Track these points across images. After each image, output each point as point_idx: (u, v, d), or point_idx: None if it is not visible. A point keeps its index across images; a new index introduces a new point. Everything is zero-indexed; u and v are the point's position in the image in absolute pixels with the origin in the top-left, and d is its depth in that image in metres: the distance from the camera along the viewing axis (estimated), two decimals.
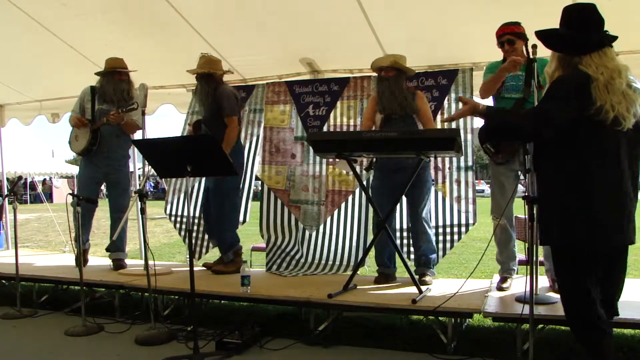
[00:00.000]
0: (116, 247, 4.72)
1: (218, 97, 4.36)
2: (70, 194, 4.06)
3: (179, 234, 5.36)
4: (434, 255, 4.03)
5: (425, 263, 3.96)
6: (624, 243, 2.36)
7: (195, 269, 3.29)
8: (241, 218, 5.03)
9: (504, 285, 3.63)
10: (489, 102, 3.74)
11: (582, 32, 2.35)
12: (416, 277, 3.70)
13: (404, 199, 4.05)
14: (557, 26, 2.46)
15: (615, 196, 2.30)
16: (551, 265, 3.40)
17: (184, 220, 5.24)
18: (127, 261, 4.88)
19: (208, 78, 4.38)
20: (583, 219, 2.28)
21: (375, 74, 4.23)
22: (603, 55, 2.32)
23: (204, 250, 5.19)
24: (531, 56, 3.12)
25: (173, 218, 5.36)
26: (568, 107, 2.27)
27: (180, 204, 5.31)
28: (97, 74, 4.69)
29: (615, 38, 2.36)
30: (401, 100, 3.88)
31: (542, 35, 2.50)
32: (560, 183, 2.33)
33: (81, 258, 4.01)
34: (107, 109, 4.58)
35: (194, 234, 5.07)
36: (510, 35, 3.48)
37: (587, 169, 2.29)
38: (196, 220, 5.08)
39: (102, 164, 4.68)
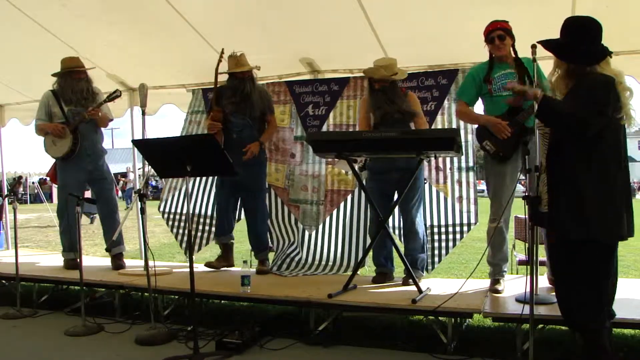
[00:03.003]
0: (117, 242, 4.67)
1: (263, 96, 4.41)
2: (70, 194, 4.06)
3: (171, 231, 5.31)
4: (422, 255, 3.97)
5: (412, 263, 3.90)
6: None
7: (196, 269, 3.29)
8: None
9: (499, 288, 3.58)
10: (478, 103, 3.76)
11: (589, 44, 2.41)
12: (403, 277, 3.82)
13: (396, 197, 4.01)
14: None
15: (628, 194, 2.43)
16: None
17: (182, 218, 5.19)
18: (128, 261, 4.87)
19: (253, 77, 4.38)
20: (608, 214, 2.35)
21: None
22: (607, 64, 2.42)
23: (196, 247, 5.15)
24: (531, 56, 3.12)
25: (166, 216, 5.32)
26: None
27: (175, 202, 5.27)
28: (53, 75, 4.63)
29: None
30: (400, 106, 3.89)
31: (552, 46, 2.52)
32: (589, 180, 2.36)
33: (80, 258, 4.00)
34: (78, 109, 4.51)
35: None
36: (501, 30, 3.49)
37: (611, 165, 2.35)
38: (196, 219, 5.07)
39: (85, 162, 4.59)
